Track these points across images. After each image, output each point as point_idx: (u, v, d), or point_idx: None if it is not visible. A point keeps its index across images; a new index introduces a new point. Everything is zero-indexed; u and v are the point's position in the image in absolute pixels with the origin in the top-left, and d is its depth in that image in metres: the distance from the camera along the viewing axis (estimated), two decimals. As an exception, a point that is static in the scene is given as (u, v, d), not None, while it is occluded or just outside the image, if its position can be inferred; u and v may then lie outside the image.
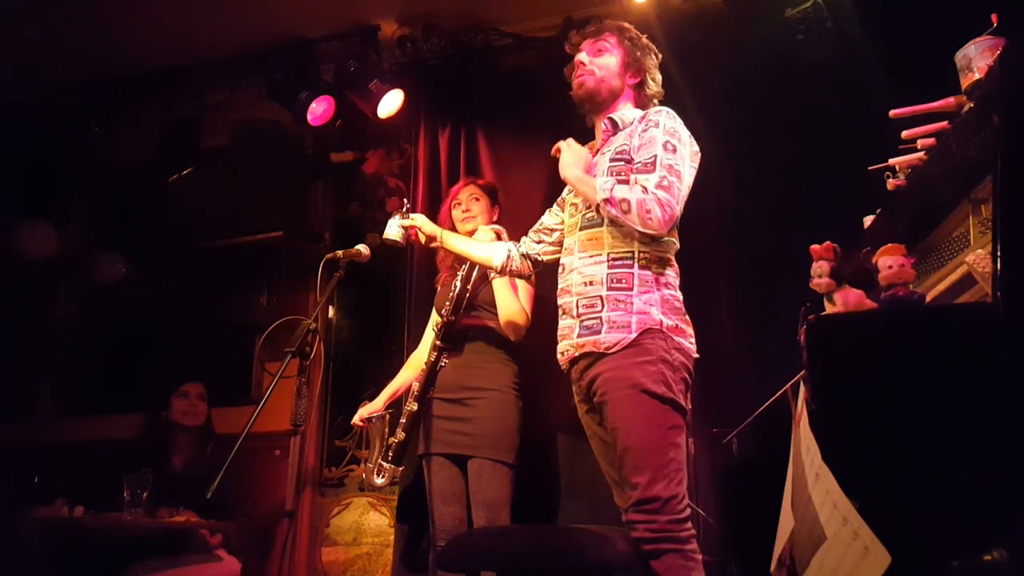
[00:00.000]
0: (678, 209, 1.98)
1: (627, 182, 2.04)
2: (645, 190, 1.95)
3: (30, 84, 4.11)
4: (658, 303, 1.99)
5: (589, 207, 2.12)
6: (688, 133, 2.10)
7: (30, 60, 3.96)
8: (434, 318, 2.88)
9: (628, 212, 1.94)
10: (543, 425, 2.94)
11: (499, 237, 2.74)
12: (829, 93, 3.01)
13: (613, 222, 2.04)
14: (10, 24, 3.72)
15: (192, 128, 4.13)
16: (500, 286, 2.65)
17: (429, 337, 2.88)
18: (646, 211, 1.93)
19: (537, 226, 2.43)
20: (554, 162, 2.23)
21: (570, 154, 2.16)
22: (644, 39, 2.30)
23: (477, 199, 2.89)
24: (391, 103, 3.76)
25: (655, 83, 2.27)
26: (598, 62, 2.23)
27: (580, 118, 2.34)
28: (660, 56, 2.31)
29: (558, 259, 2.27)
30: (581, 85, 2.23)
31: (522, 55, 3.76)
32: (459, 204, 2.90)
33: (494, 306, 2.68)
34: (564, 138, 2.26)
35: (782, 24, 3.10)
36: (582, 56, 2.26)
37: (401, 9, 3.75)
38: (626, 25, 2.32)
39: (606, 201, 1.97)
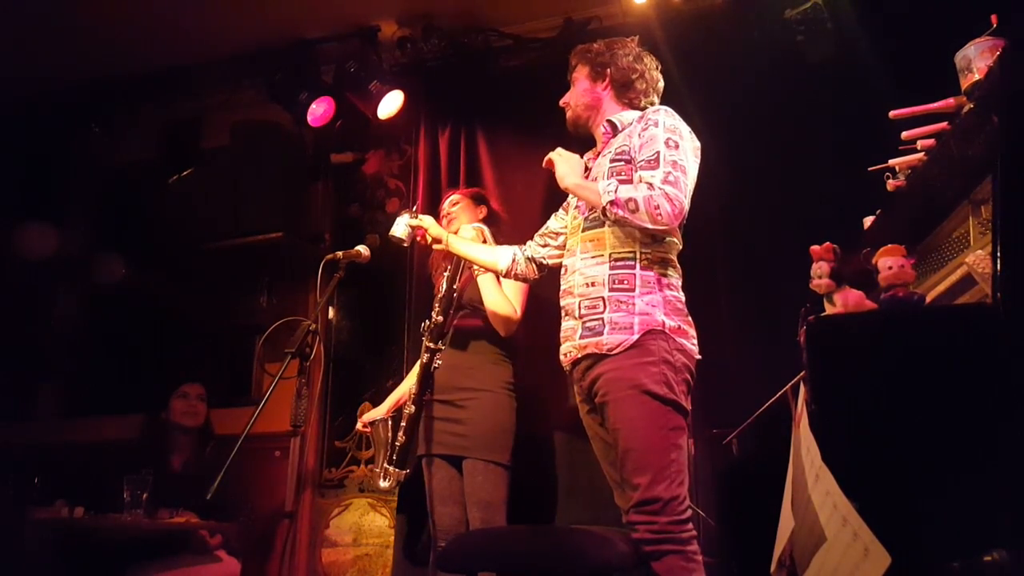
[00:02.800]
0: (686, 203, 1.98)
1: (630, 181, 2.04)
2: (651, 186, 1.94)
3: (30, 84, 4.11)
4: (660, 304, 1.99)
5: (592, 208, 2.12)
6: (688, 129, 2.10)
7: (30, 60, 3.96)
8: None
9: (636, 211, 1.93)
10: (543, 426, 2.94)
11: (480, 235, 2.73)
12: (829, 94, 3.01)
13: (616, 222, 2.03)
14: (10, 24, 3.72)
15: (192, 128, 4.14)
16: (485, 282, 2.64)
17: None
18: (654, 207, 1.92)
19: (543, 230, 2.43)
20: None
21: (563, 163, 2.16)
22: (603, 44, 2.30)
23: (455, 203, 2.91)
24: (391, 104, 3.76)
25: (625, 68, 2.24)
26: (572, 95, 2.31)
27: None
28: (635, 39, 2.30)
29: None
30: (567, 122, 2.33)
31: (522, 56, 3.76)
32: (444, 215, 2.91)
33: (482, 304, 2.67)
34: (564, 139, 2.27)
35: (782, 25, 3.10)
36: (564, 98, 2.34)
37: (401, 10, 3.76)
38: (587, 44, 2.35)
39: (612, 203, 1.95)
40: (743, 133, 3.06)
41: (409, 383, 2.89)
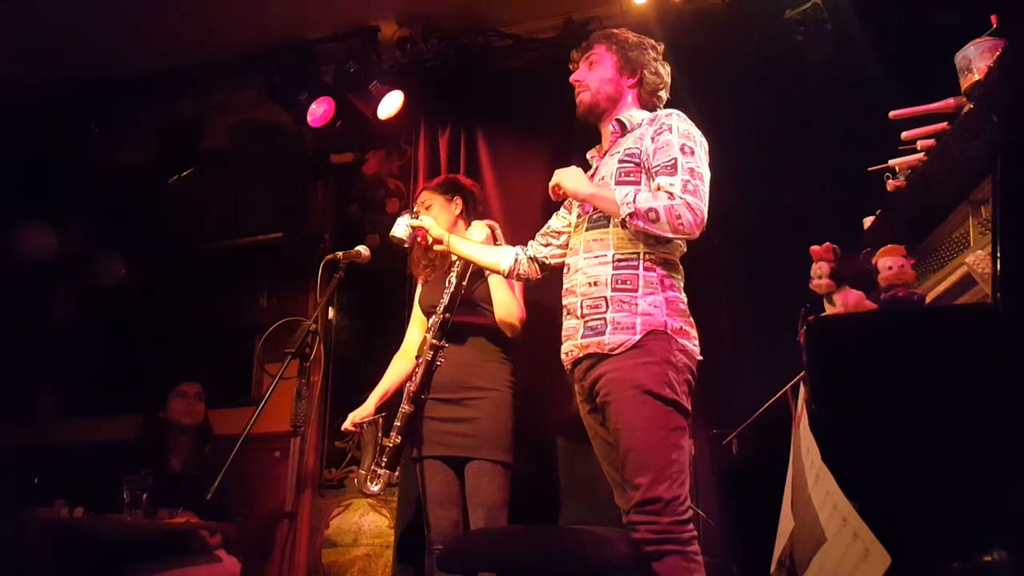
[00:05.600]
0: (706, 211, 1.97)
1: (637, 183, 2.04)
2: (671, 196, 1.94)
3: (30, 84, 4.11)
4: (662, 305, 1.99)
5: (596, 207, 2.11)
6: (699, 132, 2.10)
7: (31, 60, 3.96)
8: (417, 317, 2.85)
9: (657, 221, 1.93)
10: (543, 426, 2.94)
11: (492, 232, 2.72)
12: (829, 94, 3.01)
13: (622, 223, 2.02)
14: (10, 24, 3.71)
15: (192, 129, 4.13)
16: (497, 283, 2.62)
17: (411, 338, 2.85)
18: (676, 217, 1.92)
19: (545, 229, 2.42)
20: (556, 164, 2.22)
21: (569, 178, 2.13)
22: (634, 37, 2.28)
23: (429, 207, 2.78)
24: (391, 104, 3.76)
25: (656, 75, 2.26)
26: (591, 76, 2.26)
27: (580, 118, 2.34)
28: (661, 45, 2.30)
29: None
30: (580, 103, 2.27)
31: (522, 56, 3.76)
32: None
33: (490, 303, 2.65)
34: (564, 140, 2.26)
35: (782, 25, 3.10)
36: (577, 74, 2.28)
37: (401, 10, 3.75)
38: (614, 30, 2.32)
39: (632, 215, 1.95)
40: (743, 133, 3.06)
41: (391, 379, 2.82)
